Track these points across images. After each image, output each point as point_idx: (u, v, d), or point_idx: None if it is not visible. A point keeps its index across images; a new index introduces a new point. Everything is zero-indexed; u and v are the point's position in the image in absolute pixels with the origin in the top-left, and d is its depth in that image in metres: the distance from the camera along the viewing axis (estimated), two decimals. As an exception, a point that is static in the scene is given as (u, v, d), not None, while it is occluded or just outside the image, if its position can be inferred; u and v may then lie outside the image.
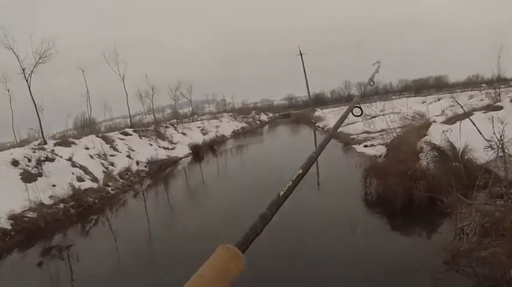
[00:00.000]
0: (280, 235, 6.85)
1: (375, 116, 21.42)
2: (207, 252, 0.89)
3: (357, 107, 1.70)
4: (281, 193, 0.98)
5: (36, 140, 20.54)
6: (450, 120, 14.11)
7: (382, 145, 16.00)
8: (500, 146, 7.24)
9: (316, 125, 36.02)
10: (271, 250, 6.47)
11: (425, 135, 12.22)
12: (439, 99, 31.52)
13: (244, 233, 0.89)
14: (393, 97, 49.47)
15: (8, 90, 23.77)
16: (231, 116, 52.07)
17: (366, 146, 18.08)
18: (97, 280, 7.68)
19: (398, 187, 8.73)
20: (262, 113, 65.48)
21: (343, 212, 9.63)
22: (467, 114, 11.18)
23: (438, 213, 7.46)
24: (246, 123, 51.82)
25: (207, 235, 8.37)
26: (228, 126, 44.22)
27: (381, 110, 23.69)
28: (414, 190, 8.55)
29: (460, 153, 9.17)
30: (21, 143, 22.37)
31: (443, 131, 9.82)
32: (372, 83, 1.97)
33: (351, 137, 21.05)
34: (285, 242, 6.76)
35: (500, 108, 14.05)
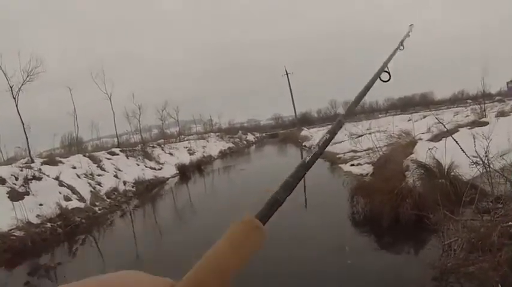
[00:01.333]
0: (265, 253, 6.81)
1: (361, 135, 21.51)
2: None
3: (386, 71, 1.44)
4: (307, 160, 0.92)
5: (23, 158, 20.43)
6: (436, 138, 14.22)
7: (368, 163, 16.06)
8: (486, 161, 7.31)
9: (303, 144, 36.15)
10: (256, 269, 6.42)
11: (411, 153, 12.30)
12: (424, 117, 31.81)
13: (266, 203, 0.80)
14: (379, 115, 49.84)
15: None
16: (218, 136, 52.15)
17: (352, 165, 18.15)
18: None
19: (385, 206, 8.77)
20: (249, 133, 65.71)
21: (330, 231, 9.63)
22: (451, 131, 11.29)
23: (425, 230, 7.50)
24: (233, 143, 51.80)
25: (195, 254, 8.31)
26: (215, 146, 44.17)
27: (367, 129, 23.81)
28: (401, 208, 8.57)
29: (446, 170, 9.25)
30: (8, 161, 22.27)
31: (429, 149, 9.91)
32: (401, 48, 1.77)
33: (337, 156, 21.12)
34: (269, 261, 6.68)
35: (485, 124, 14.19)
